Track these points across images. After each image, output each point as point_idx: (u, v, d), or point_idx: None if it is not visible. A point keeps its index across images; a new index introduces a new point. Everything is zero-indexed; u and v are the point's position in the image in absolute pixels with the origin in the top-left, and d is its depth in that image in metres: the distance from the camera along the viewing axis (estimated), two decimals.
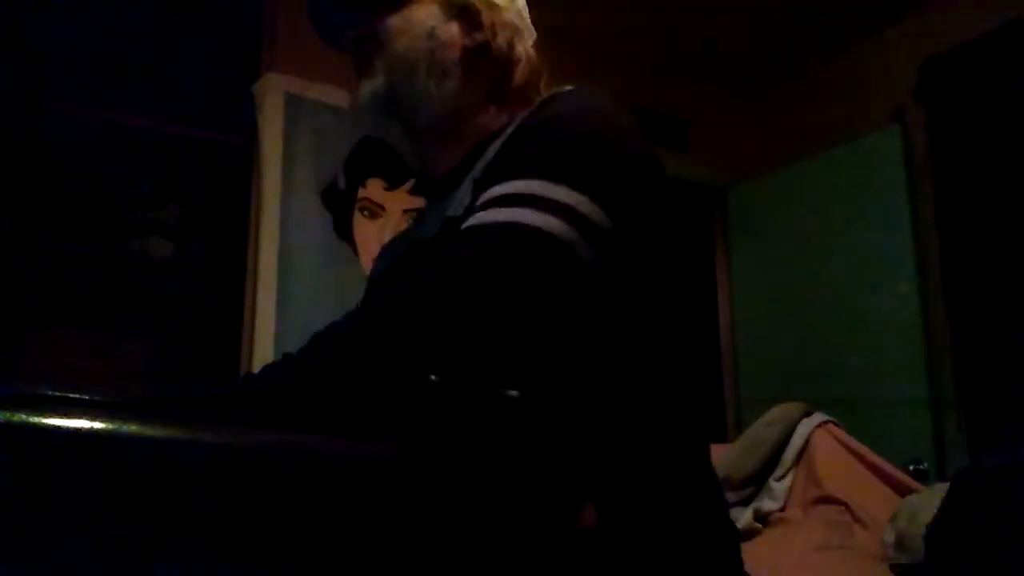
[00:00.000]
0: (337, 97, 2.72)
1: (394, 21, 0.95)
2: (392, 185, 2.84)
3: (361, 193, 2.81)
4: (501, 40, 0.97)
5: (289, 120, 2.70)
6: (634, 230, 0.77)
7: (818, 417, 2.36)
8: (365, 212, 2.81)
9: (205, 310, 2.99)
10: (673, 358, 0.83)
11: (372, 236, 2.79)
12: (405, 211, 2.84)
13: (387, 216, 2.83)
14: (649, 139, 0.86)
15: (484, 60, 0.96)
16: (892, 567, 1.79)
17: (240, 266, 2.73)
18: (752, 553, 1.93)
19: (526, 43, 1.01)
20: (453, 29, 0.96)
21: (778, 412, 2.41)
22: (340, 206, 2.77)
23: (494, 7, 0.98)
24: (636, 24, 3.25)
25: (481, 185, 0.81)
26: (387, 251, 1.08)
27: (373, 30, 0.96)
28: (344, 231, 2.77)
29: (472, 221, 0.74)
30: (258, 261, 2.62)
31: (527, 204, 0.72)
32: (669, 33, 3.32)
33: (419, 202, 2.85)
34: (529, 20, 1.04)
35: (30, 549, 0.37)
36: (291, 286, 2.61)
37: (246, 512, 0.42)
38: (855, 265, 3.13)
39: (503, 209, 0.73)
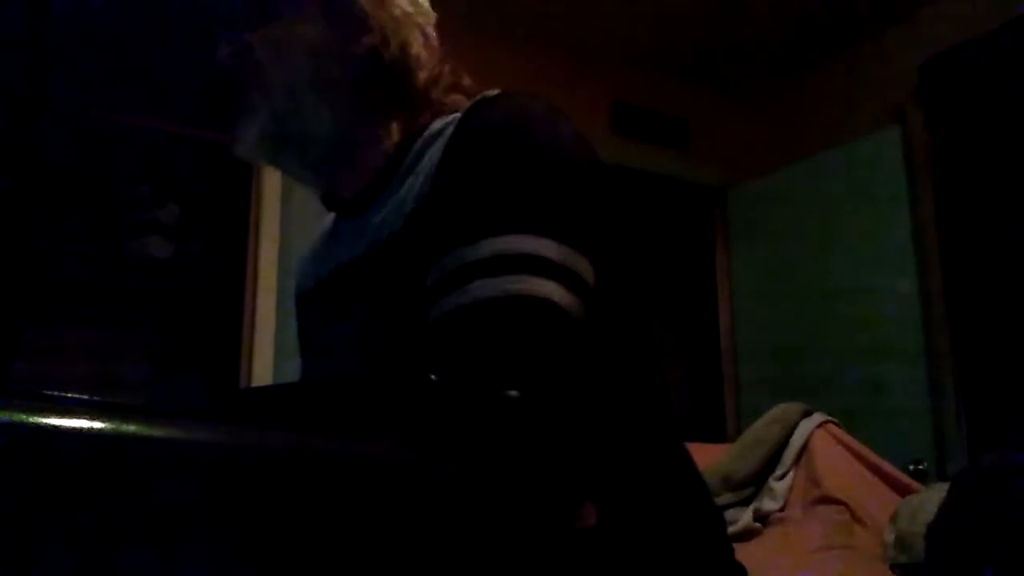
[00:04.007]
0: None
1: (268, 35, 0.82)
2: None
3: None
4: (394, 43, 0.84)
5: None
6: (612, 266, 0.74)
7: (818, 417, 2.37)
8: None
9: (205, 310, 2.99)
10: (654, 362, 0.83)
11: None
12: None
13: None
14: (586, 141, 0.77)
15: (377, 68, 0.84)
16: (892, 567, 1.79)
17: (240, 266, 2.73)
18: (752, 553, 1.93)
19: (424, 35, 0.87)
20: (337, 38, 0.83)
21: (778, 412, 2.41)
22: None
23: (381, 1, 0.85)
24: (636, 24, 3.25)
25: (423, 216, 0.75)
26: (305, 269, 1.03)
27: (247, 46, 0.83)
28: None
29: (468, 298, 0.67)
30: (258, 261, 2.63)
31: (522, 271, 0.66)
32: (669, 33, 3.32)
33: None
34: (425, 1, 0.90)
35: (30, 551, 0.37)
36: (291, 286, 2.61)
37: (246, 512, 0.42)
38: (855, 265, 3.13)
39: (493, 279, 0.66)
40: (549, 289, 0.65)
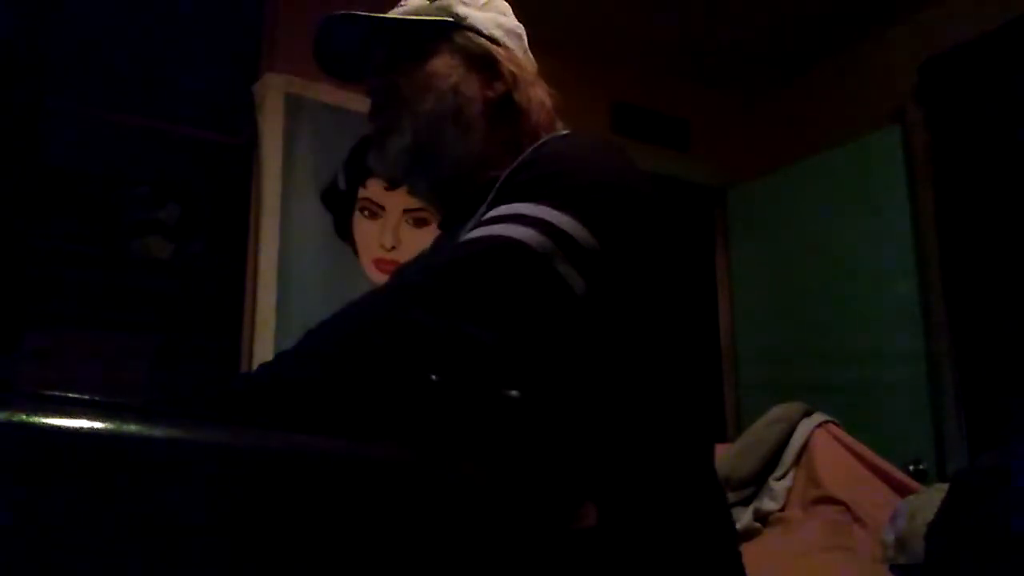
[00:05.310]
0: (337, 97, 2.72)
1: (417, 77, 0.98)
2: (392, 185, 2.83)
3: (361, 193, 2.81)
4: (521, 88, 0.99)
5: (289, 120, 2.70)
6: (625, 247, 0.78)
7: (818, 417, 2.36)
8: (365, 212, 2.81)
9: (205, 310, 2.99)
10: (674, 364, 0.84)
11: (372, 236, 2.79)
12: (405, 211, 2.84)
13: (387, 216, 2.84)
14: (644, 175, 0.87)
15: (505, 109, 0.98)
16: (892, 567, 1.79)
17: (240, 266, 2.73)
18: (752, 553, 1.93)
19: (537, 81, 1.02)
20: (475, 82, 0.98)
21: (778, 412, 2.41)
22: (340, 206, 2.77)
23: (508, 50, 1.00)
24: (636, 24, 3.25)
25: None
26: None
27: (394, 82, 0.99)
28: (344, 231, 2.77)
29: (457, 239, 0.78)
30: (258, 261, 2.62)
31: (507, 221, 0.75)
32: (669, 33, 3.32)
33: (419, 203, 2.85)
34: (527, 44, 1.05)
35: (30, 550, 0.37)
36: (291, 286, 2.61)
37: (247, 512, 0.42)
38: (855, 265, 3.13)
39: (485, 227, 0.76)
40: (520, 233, 0.73)
